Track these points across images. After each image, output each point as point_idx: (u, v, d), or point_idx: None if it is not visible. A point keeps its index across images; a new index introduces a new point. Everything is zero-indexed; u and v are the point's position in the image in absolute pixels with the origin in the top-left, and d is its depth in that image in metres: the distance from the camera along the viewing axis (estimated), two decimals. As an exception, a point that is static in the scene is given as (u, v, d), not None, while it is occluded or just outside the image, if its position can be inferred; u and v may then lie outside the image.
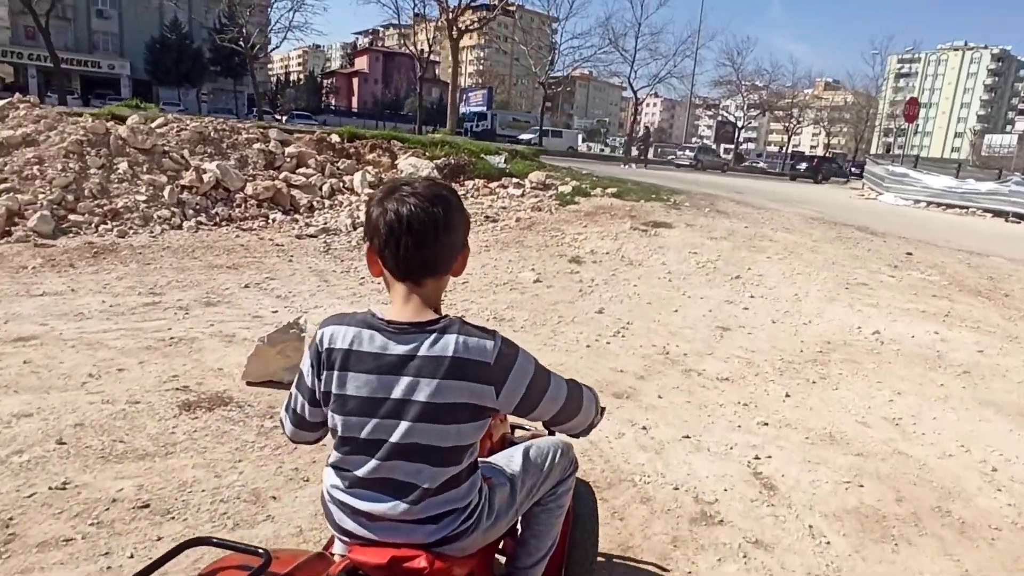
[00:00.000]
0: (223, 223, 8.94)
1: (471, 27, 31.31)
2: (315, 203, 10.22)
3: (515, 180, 12.45)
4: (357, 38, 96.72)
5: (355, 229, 9.29)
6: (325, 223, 9.50)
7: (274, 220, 9.38)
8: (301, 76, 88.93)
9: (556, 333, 5.27)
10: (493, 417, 1.46)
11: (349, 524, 1.32)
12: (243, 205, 9.49)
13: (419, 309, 1.25)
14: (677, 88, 52.75)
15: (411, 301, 1.26)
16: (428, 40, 38.47)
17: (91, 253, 6.87)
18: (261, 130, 11.41)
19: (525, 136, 38.70)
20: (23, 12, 27.62)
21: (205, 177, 9.37)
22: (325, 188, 10.68)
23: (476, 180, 12.25)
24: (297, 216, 9.71)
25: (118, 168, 8.94)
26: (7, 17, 39.77)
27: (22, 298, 5.24)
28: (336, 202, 10.46)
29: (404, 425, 1.23)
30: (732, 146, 48.75)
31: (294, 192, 10.30)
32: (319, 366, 1.29)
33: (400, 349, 1.22)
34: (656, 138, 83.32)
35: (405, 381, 1.22)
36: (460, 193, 9.29)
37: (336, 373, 1.26)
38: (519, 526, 1.63)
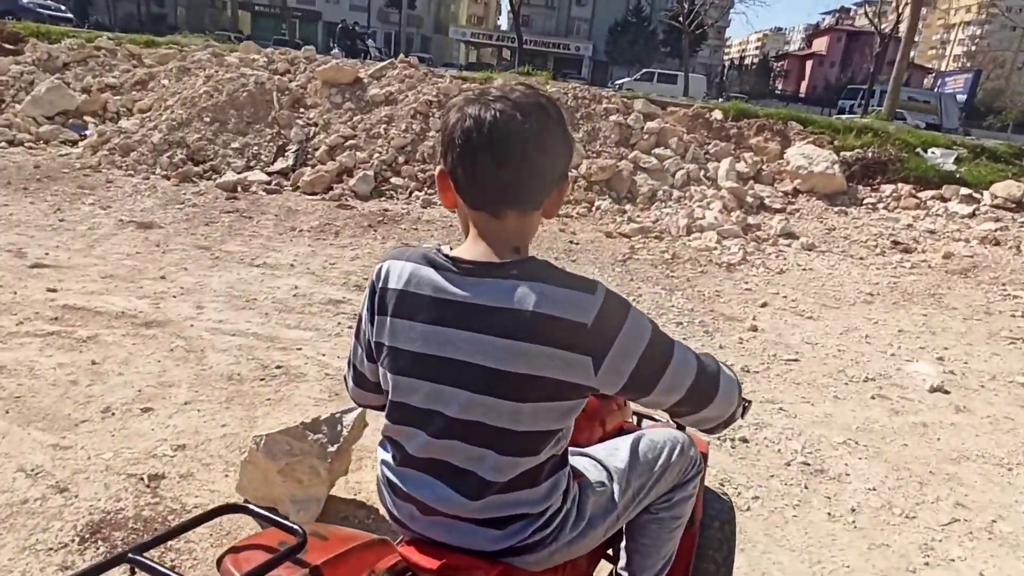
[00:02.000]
0: (539, 204, 7.67)
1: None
2: (660, 193, 8.20)
3: (965, 191, 8.26)
4: (823, 18, 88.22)
5: (688, 234, 7.01)
6: (656, 220, 7.46)
7: (598, 208, 7.72)
8: (755, 60, 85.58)
9: (915, 571, 2.34)
10: (607, 400, 1.32)
11: (400, 513, 1.01)
12: (571, 185, 8.06)
13: (495, 247, 0.92)
14: None
15: (486, 237, 0.93)
16: (898, 10, 31.48)
17: (371, 222, 6.23)
18: (624, 100, 9.78)
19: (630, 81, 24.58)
20: (523, 3, 33.03)
21: (538, 149, 8.20)
22: (679, 175, 8.53)
23: (899, 185, 8.49)
24: (628, 207, 7.86)
25: (455, 132, 8.38)
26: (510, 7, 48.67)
27: (218, 272, 4.61)
28: (686, 194, 8.24)
29: (464, 396, 0.90)
30: None
31: (639, 176, 8.45)
32: (374, 308, 0.99)
33: (463, 295, 0.90)
34: None
35: (467, 337, 0.89)
36: (869, 201, 5.44)
37: (389, 319, 0.96)
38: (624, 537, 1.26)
